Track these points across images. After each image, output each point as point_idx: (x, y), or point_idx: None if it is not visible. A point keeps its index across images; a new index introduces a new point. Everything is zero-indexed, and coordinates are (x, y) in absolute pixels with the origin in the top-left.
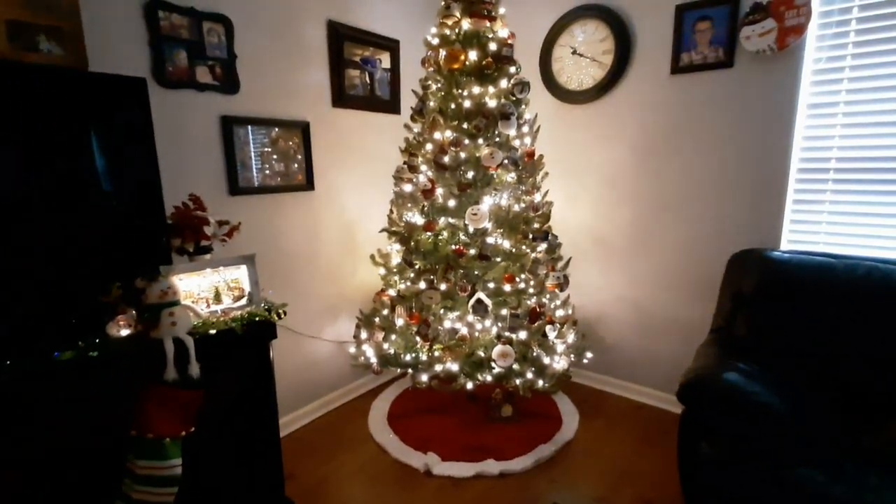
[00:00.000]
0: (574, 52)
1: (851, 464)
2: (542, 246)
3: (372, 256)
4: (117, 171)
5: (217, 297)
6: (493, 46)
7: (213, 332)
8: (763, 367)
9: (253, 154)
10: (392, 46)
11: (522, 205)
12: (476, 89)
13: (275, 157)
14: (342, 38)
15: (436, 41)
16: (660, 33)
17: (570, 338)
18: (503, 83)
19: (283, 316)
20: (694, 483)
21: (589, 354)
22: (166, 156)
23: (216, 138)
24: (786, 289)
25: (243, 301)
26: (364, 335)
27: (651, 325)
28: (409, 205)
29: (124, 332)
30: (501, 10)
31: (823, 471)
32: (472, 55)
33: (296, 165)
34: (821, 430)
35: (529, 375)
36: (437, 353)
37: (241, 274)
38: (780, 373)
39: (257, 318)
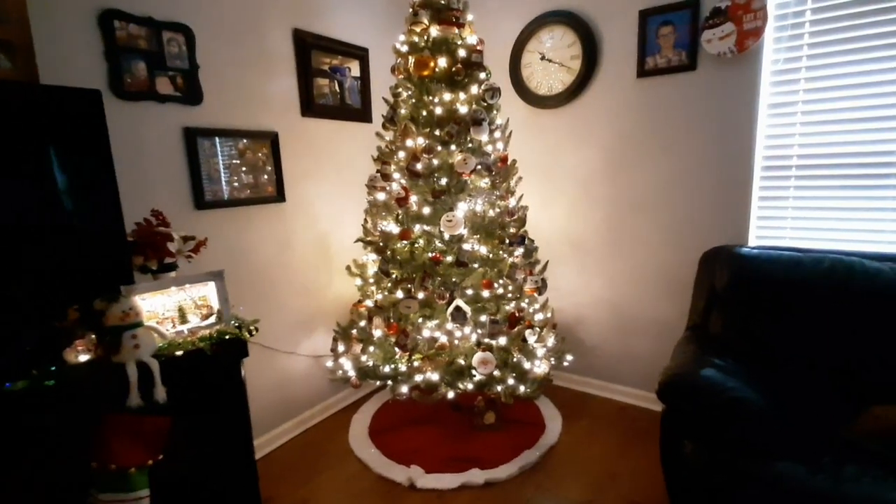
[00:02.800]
0: (543, 58)
1: (829, 456)
2: (519, 250)
3: (348, 267)
4: (73, 188)
5: (183, 317)
6: (462, 53)
7: (179, 353)
8: (739, 362)
9: (220, 166)
10: (361, 55)
11: (497, 210)
12: (447, 96)
13: (243, 168)
14: (309, 47)
15: (405, 48)
16: (625, 38)
17: (550, 341)
18: (474, 89)
19: (254, 332)
20: (677, 480)
21: (569, 357)
22: (127, 170)
23: (179, 151)
24: (756, 284)
25: (212, 319)
26: (341, 348)
27: (629, 324)
28: (384, 213)
29: (83, 358)
30: (469, 17)
31: (803, 464)
32: (442, 62)
33: (265, 177)
34: (798, 423)
35: (511, 381)
36: (416, 364)
37: (208, 291)
38: (755, 367)
39: (227, 337)
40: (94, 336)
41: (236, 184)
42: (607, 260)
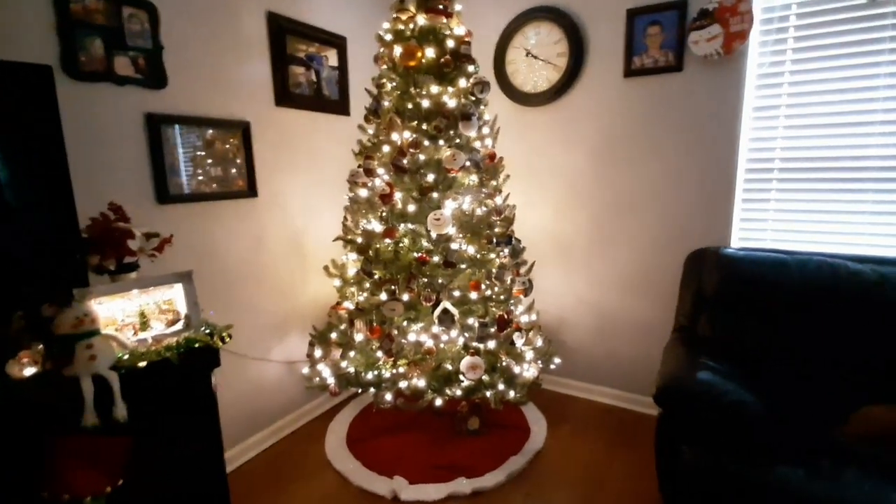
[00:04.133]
0: (528, 55)
1: (828, 459)
2: (506, 250)
3: (326, 267)
4: (17, 177)
5: (145, 323)
6: (450, 44)
7: (142, 364)
8: (731, 364)
9: (185, 157)
10: (339, 43)
11: (485, 209)
12: (434, 88)
13: (211, 160)
14: (284, 32)
15: (389, 37)
16: (612, 37)
17: (538, 344)
18: (462, 82)
19: (227, 340)
20: (673, 485)
21: (557, 360)
22: (81, 159)
23: (141, 139)
24: (745, 286)
25: (178, 325)
26: (319, 353)
27: (612, 326)
28: (365, 211)
29: (28, 372)
30: (458, 7)
31: (802, 468)
32: (430, 52)
33: (236, 170)
34: (793, 426)
35: (501, 387)
36: (401, 369)
37: (174, 294)
38: (746, 369)
39: (197, 345)
40: (41, 346)
41: (204, 177)
42: (592, 260)
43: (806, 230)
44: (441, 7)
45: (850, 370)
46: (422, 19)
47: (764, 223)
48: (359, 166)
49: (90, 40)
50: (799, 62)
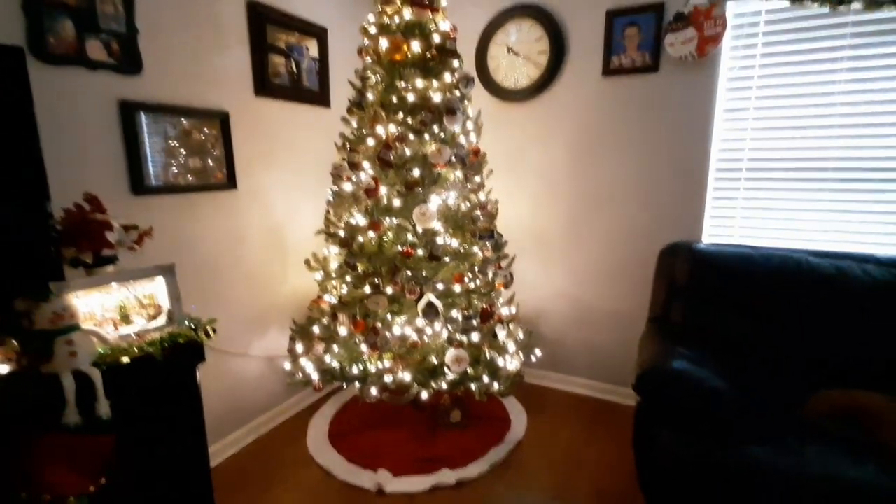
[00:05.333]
0: (510, 51)
1: (793, 437)
2: (489, 244)
3: (307, 261)
4: None
5: (125, 318)
6: (436, 38)
7: (125, 360)
8: (702, 350)
9: (161, 147)
10: (319, 34)
11: (469, 203)
12: (420, 82)
13: (188, 151)
14: (264, 20)
15: (374, 30)
16: (592, 36)
17: (520, 336)
18: (447, 77)
19: (212, 334)
20: (652, 470)
21: (538, 352)
22: (51, 147)
23: (114, 127)
24: (714, 278)
25: (161, 320)
26: (300, 348)
27: (588, 316)
28: (349, 205)
29: (3, 369)
30: (443, 2)
31: (770, 446)
32: (415, 46)
33: (214, 161)
34: (760, 408)
35: (486, 379)
36: (386, 363)
37: (156, 288)
38: (716, 355)
39: (181, 340)
40: (15, 342)
41: (181, 168)
42: (569, 253)
43: (771, 227)
44: (427, 1)
45: (812, 356)
46: (408, 13)
47: (732, 220)
48: (343, 159)
49: (60, 21)
50: (766, 66)
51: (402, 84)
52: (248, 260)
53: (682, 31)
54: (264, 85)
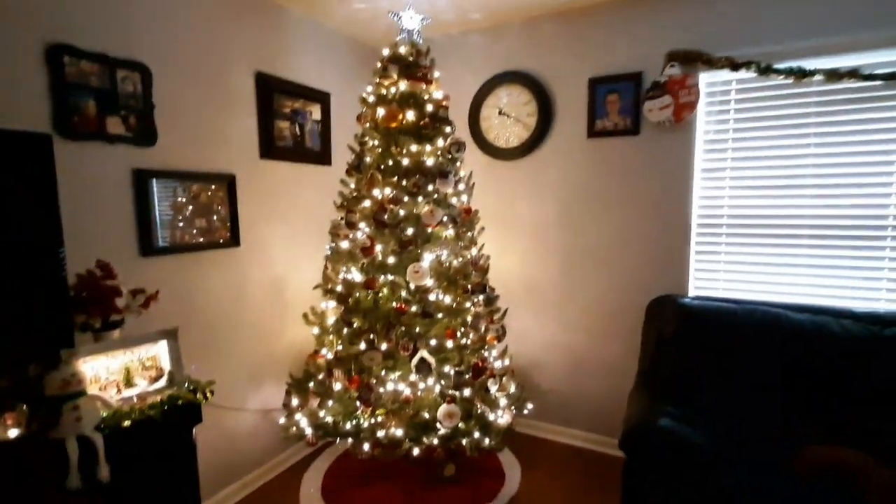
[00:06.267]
0: (501, 113)
1: (777, 495)
2: (480, 298)
3: (305, 315)
4: (9, 241)
5: (129, 380)
6: (429, 107)
7: (126, 423)
8: (690, 406)
9: (170, 210)
10: (323, 99)
11: (461, 259)
12: (414, 147)
13: (196, 212)
14: (272, 90)
15: (372, 99)
16: (577, 101)
17: (512, 389)
18: (440, 142)
19: (210, 396)
20: None
21: (529, 405)
22: (68, 216)
23: (127, 194)
24: (699, 332)
25: (162, 382)
26: (295, 402)
27: (582, 368)
28: (346, 261)
29: (13, 434)
30: (437, 74)
31: None
32: (410, 115)
33: (219, 220)
34: (747, 464)
35: (476, 434)
36: (379, 418)
37: (159, 349)
38: (705, 411)
39: (180, 402)
40: (25, 407)
41: (189, 228)
42: (561, 305)
43: (753, 280)
44: (421, 75)
45: (795, 411)
46: (403, 85)
47: (716, 273)
48: (341, 218)
49: (83, 101)
50: (740, 130)
51: (398, 149)
52: (249, 314)
53: (659, 99)
54: (269, 148)
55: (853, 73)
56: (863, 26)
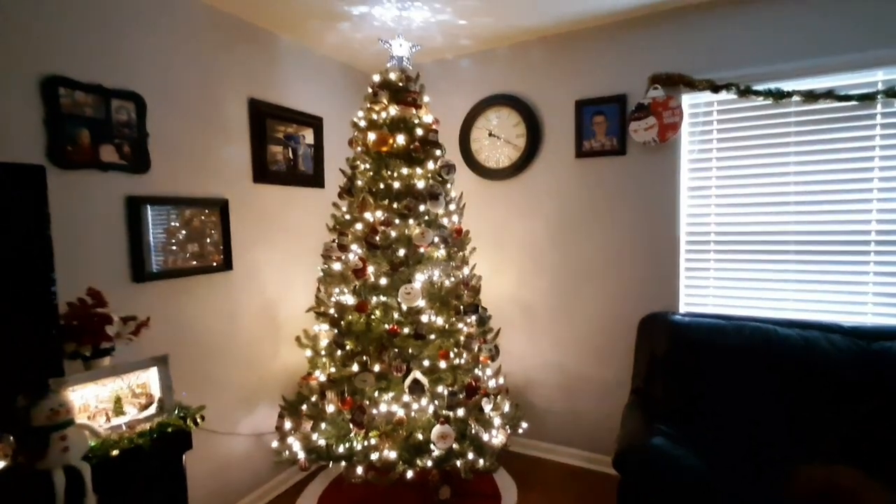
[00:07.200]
0: (490, 134)
1: None
2: (473, 318)
3: (298, 338)
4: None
5: (119, 408)
6: (419, 131)
7: (115, 453)
8: (683, 424)
9: (163, 235)
10: (316, 123)
11: (453, 280)
12: (405, 170)
13: (189, 237)
14: (264, 116)
15: (363, 123)
16: (564, 122)
17: (506, 408)
18: (430, 165)
19: (200, 423)
20: None
21: (524, 425)
22: (61, 243)
23: (120, 221)
24: (691, 350)
25: (152, 409)
26: (288, 425)
27: (576, 386)
28: (338, 283)
29: None
30: (426, 99)
31: None
32: (400, 139)
33: (212, 245)
34: (741, 484)
35: (471, 455)
36: (373, 441)
37: (149, 376)
38: (698, 429)
39: (170, 429)
40: (12, 438)
41: (181, 253)
42: (554, 324)
43: (742, 296)
44: (411, 100)
45: (787, 429)
46: (393, 110)
47: (706, 289)
48: (333, 241)
49: (78, 131)
50: (723, 150)
51: (389, 172)
52: (241, 338)
53: (644, 120)
54: (262, 172)
55: (829, 95)
56: (837, 50)
